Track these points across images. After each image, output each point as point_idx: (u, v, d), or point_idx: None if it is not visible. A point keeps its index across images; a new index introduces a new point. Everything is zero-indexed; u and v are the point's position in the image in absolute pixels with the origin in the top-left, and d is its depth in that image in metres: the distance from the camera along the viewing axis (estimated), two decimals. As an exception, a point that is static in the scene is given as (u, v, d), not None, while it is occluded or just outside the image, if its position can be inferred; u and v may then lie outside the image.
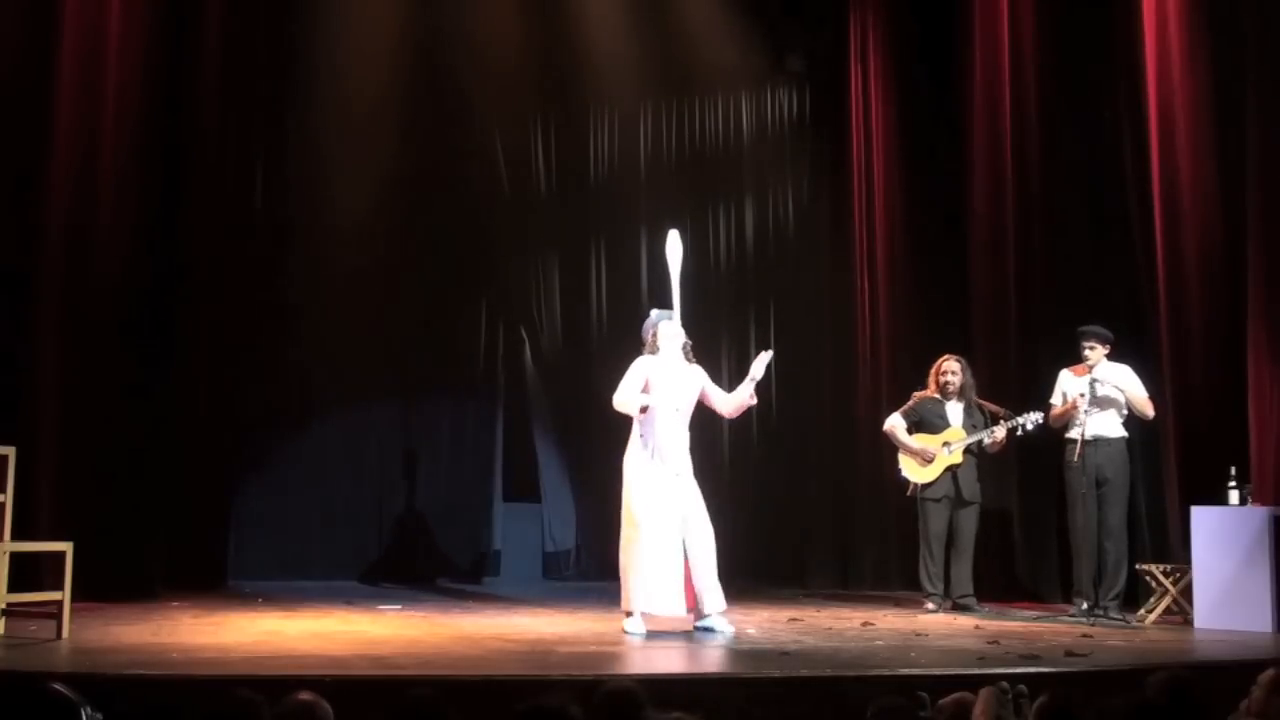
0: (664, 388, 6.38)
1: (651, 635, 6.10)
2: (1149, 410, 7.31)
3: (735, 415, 6.80)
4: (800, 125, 10.37)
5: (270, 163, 9.25)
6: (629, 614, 6.22)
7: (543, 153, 10.03)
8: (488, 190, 9.80)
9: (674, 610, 6.19)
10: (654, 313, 6.66)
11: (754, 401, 6.62)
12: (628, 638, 6.05)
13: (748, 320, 10.22)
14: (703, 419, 9.66)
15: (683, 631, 6.24)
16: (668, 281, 6.63)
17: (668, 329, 6.49)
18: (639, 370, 6.42)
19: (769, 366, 6.58)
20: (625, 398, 6.35)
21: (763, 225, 10.28)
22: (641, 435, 6.35)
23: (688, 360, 6.54)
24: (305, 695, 3.05)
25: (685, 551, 6.22)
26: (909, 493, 7.89)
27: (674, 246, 6.66)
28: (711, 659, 5.53)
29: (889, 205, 9.60)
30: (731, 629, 6.25)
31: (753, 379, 6.46)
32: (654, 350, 6.49)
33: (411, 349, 9.54)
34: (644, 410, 6.28)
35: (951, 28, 9.20)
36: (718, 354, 10.00)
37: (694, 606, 6.28)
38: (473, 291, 9.90)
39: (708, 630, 6.21)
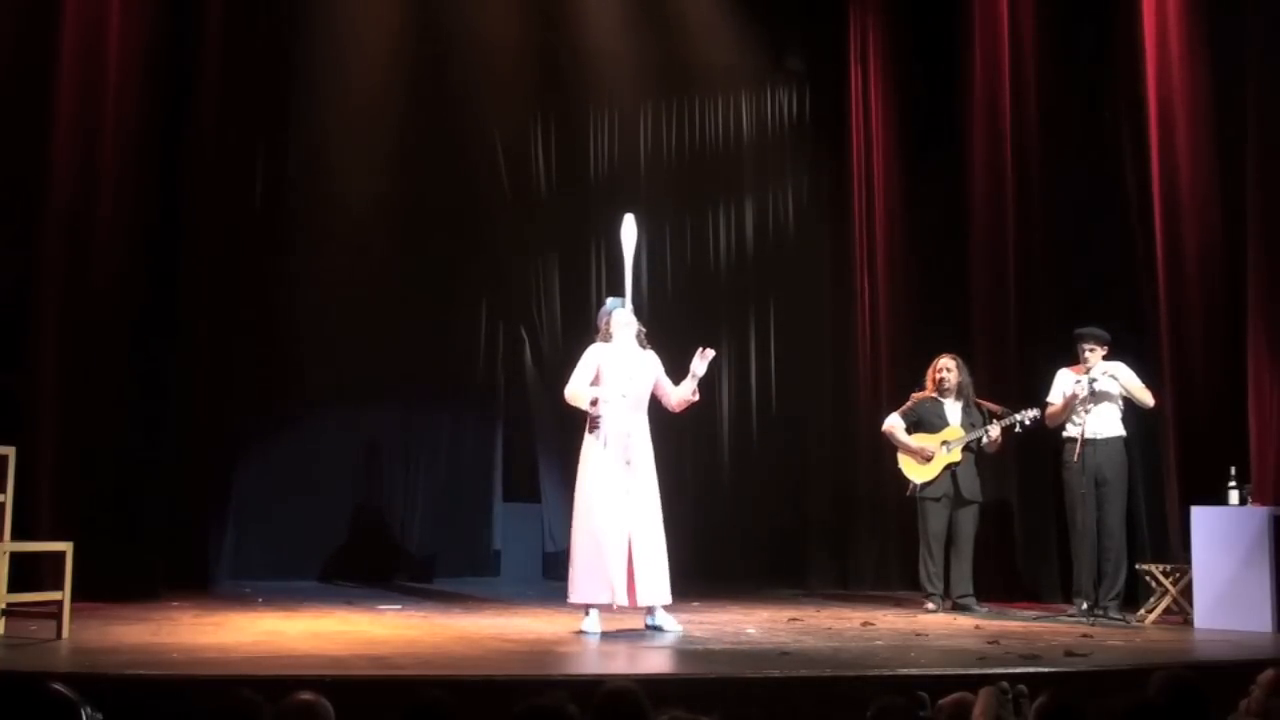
0: (616, 376, 6.37)
1: (605, 636, 6.12)
2: (1148, 398, 7.30)
3: (680, 410, 6.70)
4: (800, 125, 10.36)
5: (270, 162, 9.23)
6: (586, 611, 6.24)
7: (543, 153, 10.01)
8: (488, 190, 9.79)
9: (616, 600, 6.17)
10: (608, 300, 6.67)
11: (696, 398, 6.60)
12: (585, 638, 6.07)
13: (748, 320, 10.22)
14: (700, 421, 9.71)
15: (634, 631, 6.26)
16: (621, 266, 6.58)
17: (621, 317, 6.48)
18: (590, 360, 6.42)
19: (710, 363, 6.56)
20: (576, 390, 6.36)
21: (763, 225, 10.27)
22: (594, 423, 6.36)
23: (642, 347, 6.54)
24: (306, 695, 3.04)
25: (630, 541, 6.20)
26: (908, 492, 7.89)
27: (629, 231, 6.61)
28: (712, 659, 5.53)
29: (889, 205, 9.60)
30: (680, 628, 6.28)
31: (694, 375, 6.46)
32: (607, 338, 6.49)
33: (411, 349, 9.52)
34: (594, 403, 6.29)
35: (951, 28, 9.20)
36: (717, 353, 9.98)
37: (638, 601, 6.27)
38: (473, 291, 9.89)
39: (656, 629, 6.24)
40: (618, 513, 6.20)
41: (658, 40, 9.88)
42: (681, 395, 6.54)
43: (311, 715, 2.96)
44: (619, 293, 6.64)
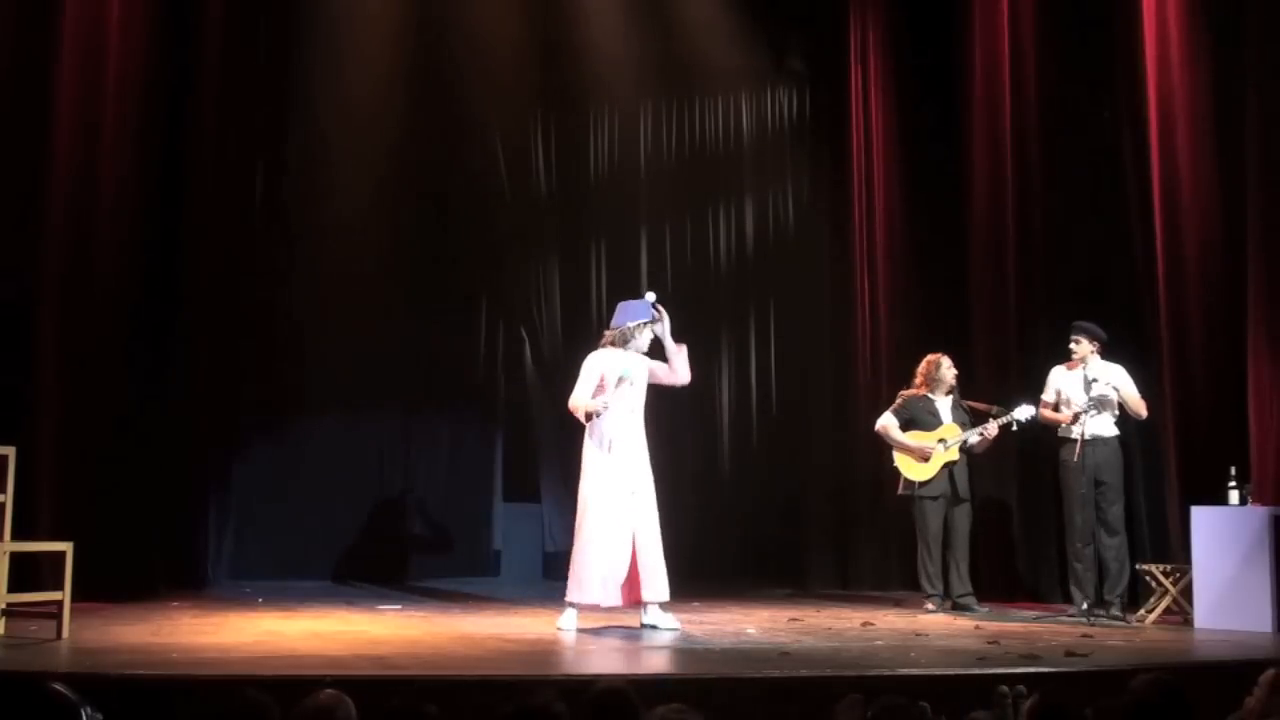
0: (618, 382, 6.46)
1: (597, 632, 6.19)
2: (1143, 410, 7.34)
3: (684, 375, 6.70)
4: (800, 125, 10.35)
5: (270, 163, 9.23)
6: (570, 606, 6.33)
7: (543, 153, 10.01)
8: (488, 190, 9.78)
9: (609, 601, 6.32)
10: (640, 306, 6.65)
11: (681, 349, 6.64)
12: (560, 634, 6.17)
13: (748, 320, 10.22)
14: (701, 421, 9.71)
15: (630, 629, 6.33)
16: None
17: (647, 335, 6.57)
18: (594, 369, 6.50)
19: (711, 362, 6.57)
20: (580, 401, 6.44)
21: (763, 225, 10.27)
22: (595, 427, 6.45)
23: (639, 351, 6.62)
24: (327, 696, 2.99)
25: (634, 541, 6.32)
26: (900, 490, 7.87)
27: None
28: (711, 659, 5.53)
29: (889, 205, 9.59)
30: (677, 625, 6.34)
31: (663, 336, 6.58)
32: (622, 345, 6.53)
33: (412, 350, 9.52)
34: (595, 413, 6.39)
35: (951, 27, 9.20)
36: (717, 353, 10.00)
37: (638, 599, 6.35)
38: (473, 292, 9.88)
39: (652, 628, 6.30)
40: (622, 514, 6.31)
41: (658, 40, 9.87)
42: (671, 354, 6.60)
43: (329, 718, 2.93)
44: (621, 295, 6.65)
